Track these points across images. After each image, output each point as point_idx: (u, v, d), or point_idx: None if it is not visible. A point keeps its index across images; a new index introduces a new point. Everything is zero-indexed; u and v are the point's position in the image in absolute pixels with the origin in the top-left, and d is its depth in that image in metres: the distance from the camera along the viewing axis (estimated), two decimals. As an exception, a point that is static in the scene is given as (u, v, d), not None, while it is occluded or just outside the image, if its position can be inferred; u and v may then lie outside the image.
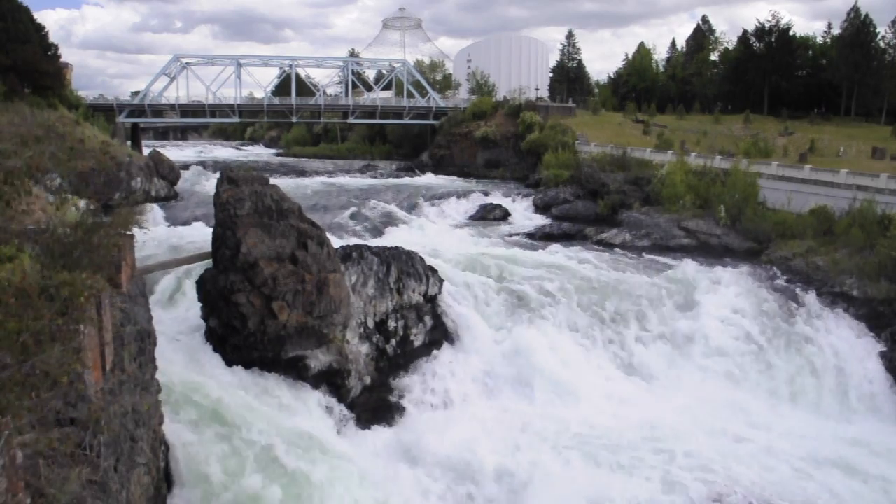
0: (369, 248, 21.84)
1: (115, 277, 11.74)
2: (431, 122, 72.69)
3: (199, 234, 29.12)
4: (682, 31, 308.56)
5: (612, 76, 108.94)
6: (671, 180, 36.92)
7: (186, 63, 69.24)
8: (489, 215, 41.92)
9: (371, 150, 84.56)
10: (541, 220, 40.45)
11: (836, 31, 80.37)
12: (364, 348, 19.74)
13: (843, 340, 22.71)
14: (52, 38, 49.35)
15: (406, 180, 58.02)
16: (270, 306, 16.94)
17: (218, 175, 20.09)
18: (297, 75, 75.51)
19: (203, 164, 65.39)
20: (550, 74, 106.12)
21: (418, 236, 32.05)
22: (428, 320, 21.63)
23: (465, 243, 31.86)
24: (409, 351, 20.89)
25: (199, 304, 18.23)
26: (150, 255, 24.13)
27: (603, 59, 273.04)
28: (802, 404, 20.93)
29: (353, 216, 37.55)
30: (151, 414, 11.46)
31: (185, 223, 34.49)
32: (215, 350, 17.58)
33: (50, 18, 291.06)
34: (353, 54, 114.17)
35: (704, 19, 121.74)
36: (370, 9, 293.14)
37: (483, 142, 63.75)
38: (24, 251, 8.57)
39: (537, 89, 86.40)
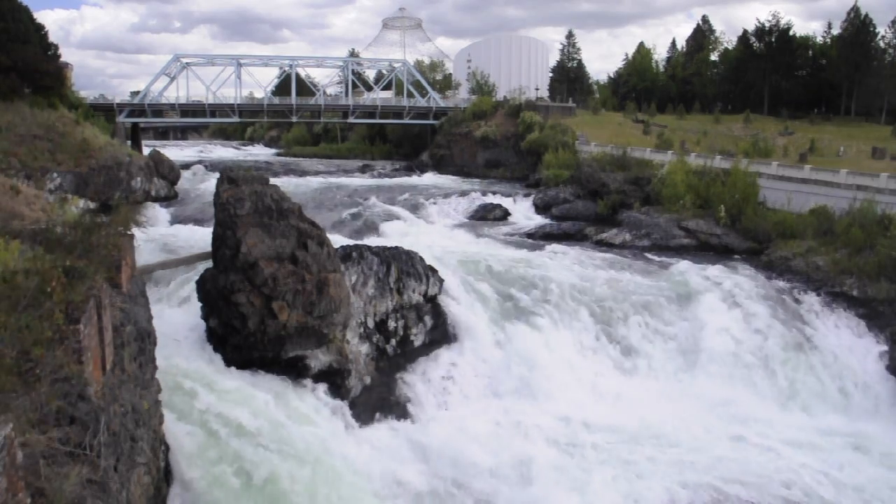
0: (369, 247, 21.83)
1: (114, 277, 11.74)
2: (431, 122, 72.70)
3: (198, 234, 29.13)
4: (679, 31, 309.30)
5: (612, 76, 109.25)
6: (671, 180, 36.91)
7: (186, 63, 69.24)
8: (489, 215, 41.93)
9: (371, 149, 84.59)
10: (541, 220, 40.46)
11: (836, 31, 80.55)
12: (364, 348, 19.75)
13: (844, 340, 22.70)
14: (52, 39, 49.26)
15: (406, 180, 58.06)
16: (270, 306, 16.94)
17: (218, 175, 20.08)
18: (297, 75, 75.56)
19: (203, 163, 65.46)
20: (550, 74, 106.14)
21: (418, 236, 32.03)
22: (428, 320, 21.64)
23: (465, 243, 31.85)
24: (409, 351, 20.89)
25: (200, 304, 18.24)
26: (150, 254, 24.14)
27: (601, 59, 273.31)
28: (802, 404, 20.90)
29: (353, 216, 37.55)
30: (151, 414, 11.46)
31: (185, 223, 34.56)
32: (215, 350, 17.59)
33: (49, 18, 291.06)
34: (353, 54, 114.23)
35: (705, 19, 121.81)
36: (368, 9, 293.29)
37: (483, 142, 63.75)
38: (10, 248, 8.55)
39: (537, 89, 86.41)
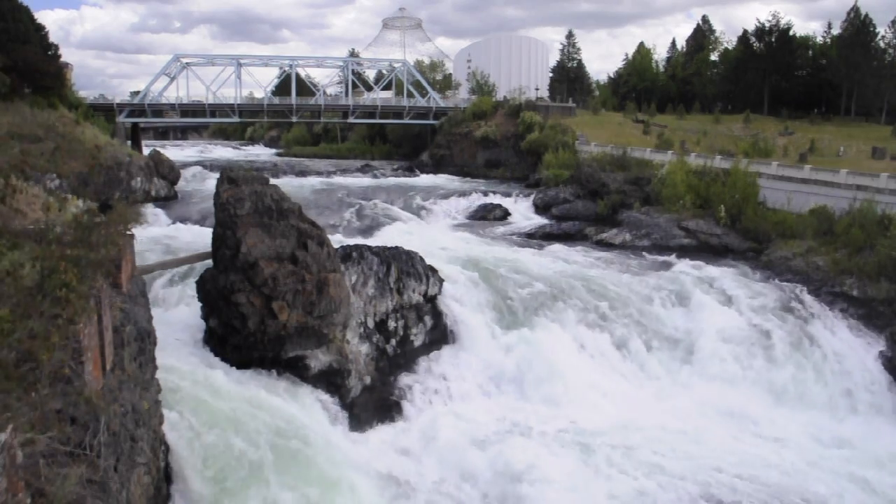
0: (369, 247, 21.83)
1: (114, 277, 11.74)
2: (431, 122, 72.69)
3: (198, 234, 29.12)
4: (678, 31, 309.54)
5: (612, 76, 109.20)
6: (671, 180, 36.90)
7: (186, 63, 69.23)
8: (489, 215, 41.94)
9: (371, 149, 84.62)
10: (541, 220, 40.46)
11: (835, 31, 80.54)
12: (364, 348, 19.74)
13: (843, 340, 22.71)
14: (52, 39, 49.19)
15: (406, 180, 58.09)
16: (270, 306, 16.94)
17: (218, 175, 20.08)
18: (297, 75, 75.54)
19: (203, 164, 65.46)
20: (550, 74, 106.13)
21: (418, 236, 32.04)
22: (428, 320, 21.63)
23: (465, 243, 31.85)
24: (409, 351, 20.89)
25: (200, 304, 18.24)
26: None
27: (601, 59, 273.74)
28: (802, 404, 20.91)
29: (353, 216, 37.57)
30: (151, 414, 11.46)
31: (185, 223, 34.57)
32: (215, 350, 17.59)
33: (49, 18, 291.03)
34: (353, 54, 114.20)
35: (705, 19, 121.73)
36: (368, 9, 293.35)
37: (483, 142, 63.74)
38: (18, 249, 8.55)
39: (537, 89, 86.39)
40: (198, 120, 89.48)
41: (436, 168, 66.22)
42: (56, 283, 8.10)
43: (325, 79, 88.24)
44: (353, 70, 79.52)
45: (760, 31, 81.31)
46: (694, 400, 20.55)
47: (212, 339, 17.87)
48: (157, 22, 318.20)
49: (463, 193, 46.21)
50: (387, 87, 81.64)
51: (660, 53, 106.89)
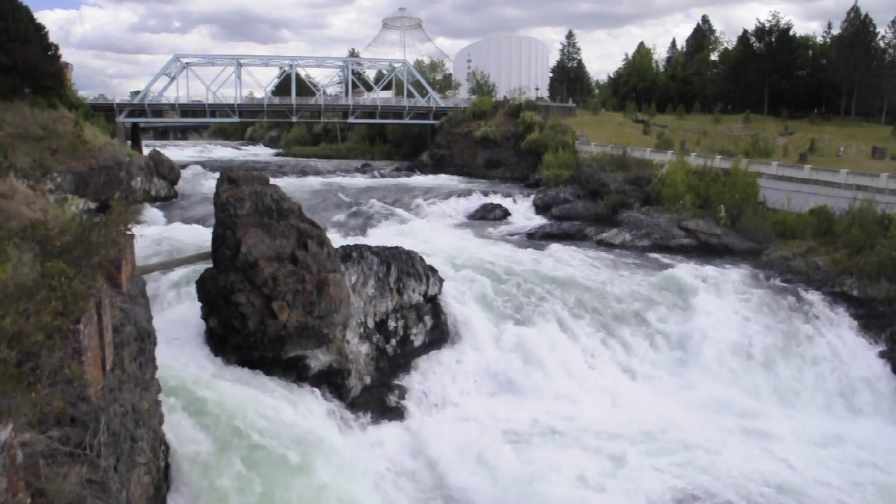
0: (369, 247, 21.83)
1: (114, 277, 11.74)
2: (431, 122, 72.70)
3: (197, 234, 29.11)
4: (677, 31, 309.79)
5: (612, 76, 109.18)
6: (671, 180, 36.90)
7: (186, 63, 69.24)
8: (489, 215, 41.95)
9: (371, 149, 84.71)
10: (541, 220, 40.46)
11: (835, 31, 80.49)
12: (364, 348, 19.74)
13: (844, 340, 22.70)
14: (52, 39, 49.11)
15: (406, 180, 58.10)
16: (270, 306, 16.94)
17: (218, 175, 20.09)
18: (297, 75, 75.55)
19: (203, 164, 65.47)
20: (550, 74, 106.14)
21: (418, 236, 32.03)
22: (428, 320, 21.63)
23: (465, 243, 31.85)
24: (409, 351, 20.88)
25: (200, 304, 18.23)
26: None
27: (600, 59, 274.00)
28: (802, 404, 20.90)
29: (353, 216, 37.57)
30: (151, 414, 11.45)
31: (184, 223, 34.56)
32: (215, 350, 17.59)
33: (48, 19, 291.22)
34: (353, 54, 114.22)
35: (705, 19, 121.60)
36: (367, 9, 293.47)
37: (483, 142, 63.74)
38: (18, 248, 8.56)
39: (537, 89, 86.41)
40: (198, 120, 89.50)
41: (436, 168, 66.21)
42: (56, 284, 8.10)
43: (325, 79, 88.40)
44: (353, 70, 79.52)
45: (760, 31, 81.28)
46: (695, 400, 20.53)
47: (212, 339, 17.87)
48: (157, 22, 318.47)
49: (463, 193, 46.21)
50: (387, 87, 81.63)
51: (660, 53, 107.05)
